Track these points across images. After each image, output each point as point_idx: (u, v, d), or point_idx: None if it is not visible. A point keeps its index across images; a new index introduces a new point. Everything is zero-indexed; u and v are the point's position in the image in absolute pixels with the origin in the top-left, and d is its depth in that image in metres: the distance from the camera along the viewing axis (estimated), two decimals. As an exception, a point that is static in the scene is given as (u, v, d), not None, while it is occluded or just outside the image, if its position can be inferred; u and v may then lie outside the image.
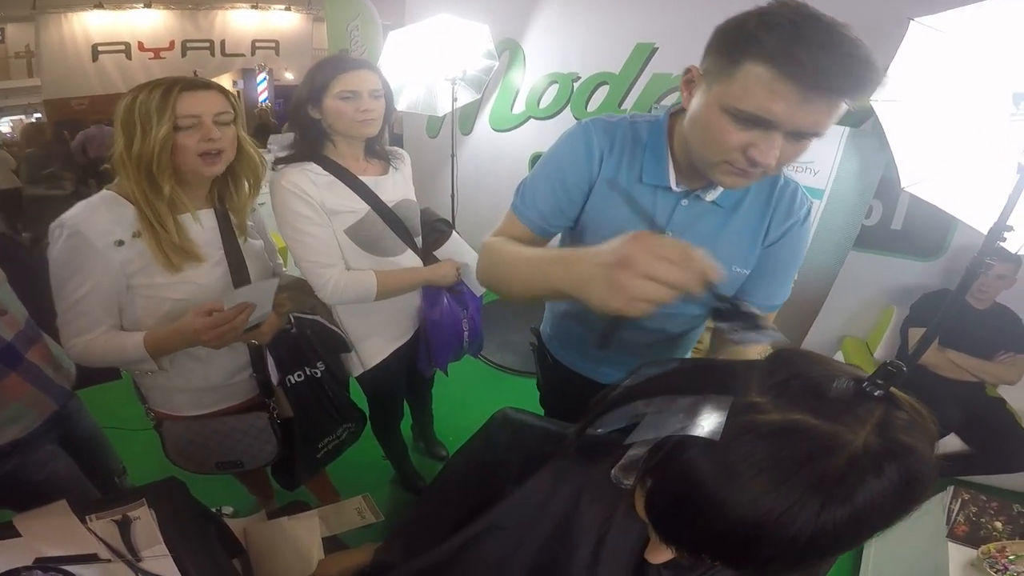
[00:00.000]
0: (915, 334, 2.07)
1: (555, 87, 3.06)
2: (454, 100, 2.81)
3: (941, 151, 1.44)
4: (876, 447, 0.34)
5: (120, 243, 0.97)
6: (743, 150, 0.64)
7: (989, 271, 1.33)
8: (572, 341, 1.14)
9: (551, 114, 3.12)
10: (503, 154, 3.40)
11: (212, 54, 6.85)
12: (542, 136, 3.17)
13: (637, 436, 0.42)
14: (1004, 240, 1.24)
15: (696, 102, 0.69)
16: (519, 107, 3.25)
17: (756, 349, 0.82)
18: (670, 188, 0.82)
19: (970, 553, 1.38)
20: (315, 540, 0.95)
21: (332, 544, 1.00)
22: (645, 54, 2.72)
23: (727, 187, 0.75)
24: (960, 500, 1.48)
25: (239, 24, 6.93)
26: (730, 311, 0.56)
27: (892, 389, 0.37)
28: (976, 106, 1.26)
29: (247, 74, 7.14)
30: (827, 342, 2.63)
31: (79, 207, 0.97)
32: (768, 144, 0.62)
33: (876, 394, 0.36)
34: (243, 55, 7.07)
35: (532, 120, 3.21)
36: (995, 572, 1.30)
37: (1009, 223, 1.23)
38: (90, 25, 6.14)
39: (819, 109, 0.59)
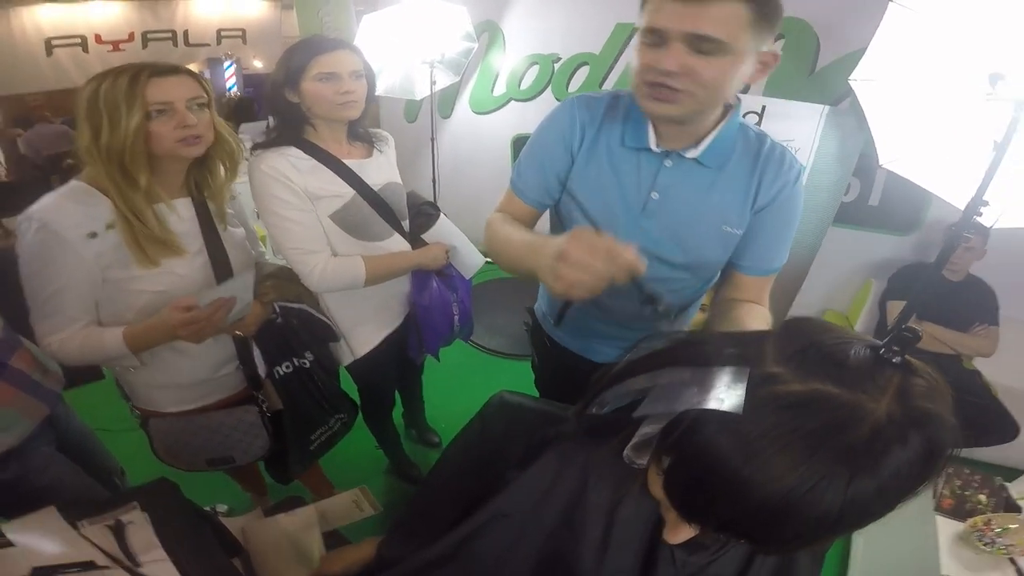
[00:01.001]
0: (893, 306, 2.12)
1: (535, 68, 3.02)
2: (433, 83, 2.76)
3: (919, 129, 1.46)
4: (899, 416, 0.33)
5: (93, 235, 0.93)
6: (655, 65, 0.71)
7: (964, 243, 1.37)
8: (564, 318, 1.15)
9: (532, 96, 3.08)
10: (484, 137, 3.35)
11: (175, 44, 6.56)
12: (523, 118, 3.14)
13: (648, 409, 0.40)
14: (980, 215, 1.28)
15: None
16: (499, 89, 3.20)
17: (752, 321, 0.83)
18: (650, 149, 0.84)
19: (957, 526, 1.41)
20: (315, 536, 0.94)
21: (331, 538, 1.00)
22: (625, 35, 2.69)
23: (652, 113, 0.79)
24: (945, 474, 1.51)
25: (202, 13, 6.64)
26: (650, 299, 0.68)
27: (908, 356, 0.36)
28: (953, 86, 1.27)
29: (213, 64, 6.89)
30: (808, 316, 2.69)
31: (47, 199, 0.93)
32: (669, 51, 0.69)
33: (894, 360, 0.36)
34: (208, 45, 6.80)
35: (513, 102, 3.17)
36: (984, 545, 1.33)
37: (985, 198, 1.26)
38: (42, 18, 5.80)
39: (698, 12, 0.66)
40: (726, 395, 0.36)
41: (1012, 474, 1.67)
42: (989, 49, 1.16)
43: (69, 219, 0.91)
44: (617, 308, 1.00)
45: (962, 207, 1.31)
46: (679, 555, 0.55)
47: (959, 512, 1.45)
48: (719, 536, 0.41)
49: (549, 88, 3.01)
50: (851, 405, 0.34)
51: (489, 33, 3.10)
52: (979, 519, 1.38)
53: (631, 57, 0.77)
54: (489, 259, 0.96)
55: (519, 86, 3.11)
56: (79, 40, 6.14)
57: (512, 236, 0.85)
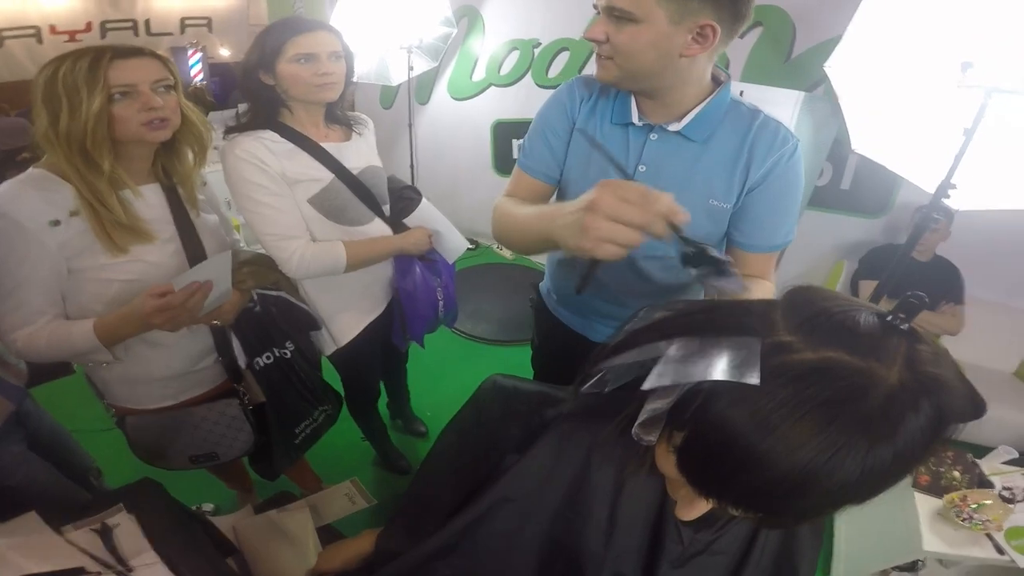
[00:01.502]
0: (865, 286, 2.18)
1: (516, 54, 2.97)
2: (410, 69, 2.70)
3: (891, 115, 1.49)
4: (910, 382, 0.33)
5: (56, 223, 0.88)
6: (589, 36, 0.80)
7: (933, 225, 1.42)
8: (567, 293, 1.16)
9: (512, 81, 3.03)
10: (463, 123, 3.29)
11: (136, 34, 6.28)
12: (503, 103, 3.08)
13: (657, 381, 0.38)
14: (948, 197, 1.33)
15: None
16: (479, 75, 3.14)
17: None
18: (634, 123, 0.88)
19: (935, 503, 1.44)
20: (309, 531, 0.92)
21: (326, 533, 0.98)
22: (604, 19, 2.68)
23: (598, 79, 0.86)
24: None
25: (165, 2, 6.38)
26: (696, 256, 0.58)
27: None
28: (926, 74, 1.29)
29: (177, 53, 6.62)
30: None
31: (5, 187, 0.88)
32: (597, 22, 0.78)
33: (902, 327, 0.35)
34: (171, 34, 6.54)
35: (493, 87, 3.12)
36: (962, 521, 1.36)
37: (953, 181, 1.31)
38: (-9, 10, 5.50)
39: None
40: (740, 366, 0.35)
41: (980, 451, 1.71)
42: (961, 38, 1.18)
43: (28, 207, 0.87)
44: (616, 285, 1.00)
45: (931, 190, 1.35)
46: (685, 532, 0.54)
47: (935, 489, 1.47)
48: (736, 511, 0.39)
49: (529, 73, 2.97)
50: (864, 372, 0.33)
51: (468, 18, 3.04)
52: (955, 495, 1.41)
53: None
54: (471, 246, 0.95)
55: (499, 71, 3.06)
56: (33, 31, 5.88)
57: (522, 210, 0.84)
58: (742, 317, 0.39)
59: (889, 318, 0.36)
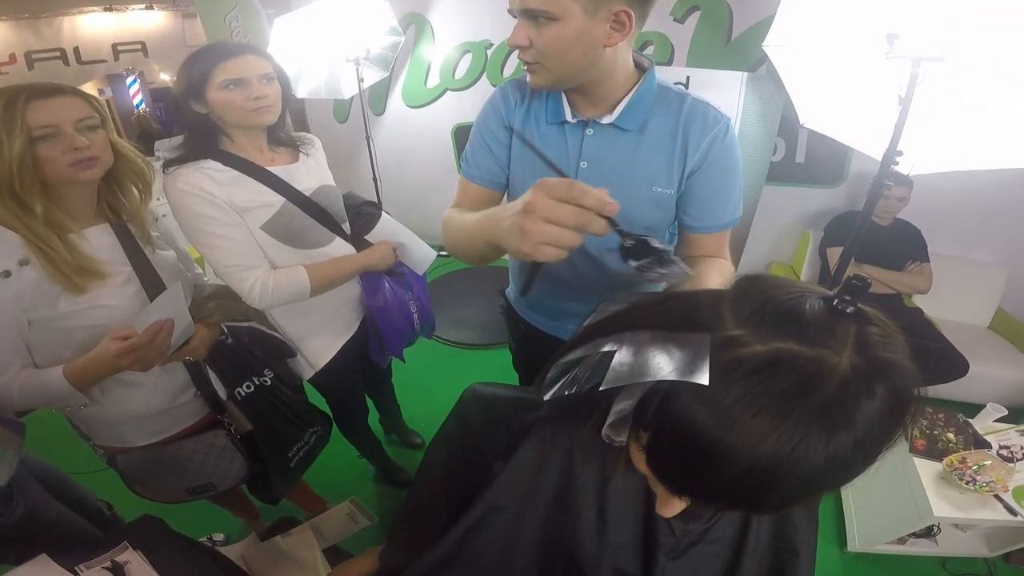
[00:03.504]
0: (833, 253, 2.24)
1: (468, 57, 2.98)
2: (360, 81, 2.66)
3: (831, 89, 1.53)
4: (862, 367, 0.32)
5: (6, 274, 0.85)
6: (510, 42, 0.79)
7: (887, 191, 1.47)
8: (533, 297, 1.16)
9: (468, 84, 3.04)
10: (423, 130, 3.29)
11: (66, 63, 6.02)
12: (461, 107, 3.10)
13: (612, 381, 0.37)
14: (897, 164, 1.37)
15: None
16: (433, 80, 3.14)
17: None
18: (569, 121, 0.89)
19: (935, 467, 1.43)
20: (316, 554, 0.92)
21: (333, 553, 0.98)
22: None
23: (530, 85, 0.84)
24: (910, 415, 1.59)
25: (94, 29, 6.10)
26: (636, 248, 0.55)
27: (859, 304, 0.35)
28: (856, 46, 1.32)
29: (114, 80, 6.39)
30: (757, 270, 2.84)
31: None
32: (516, 28, 0.77)
33: (848, 311, 0.35)
34: (105, 61, 6.28)
35: (449, 92, 3.12)
36: (965, 483, 1.34)
37: (899, 148, 1.34)
38: (-95, 46, 5.21)
39: None
40: (690, 364, 0.34)
41: (969, 409, 1.69)
42: (885, 10, 1.22)
43: None
44: (579, 285, 1.01)
45: (879, 158, 1.38)
46: (676, 525, 0.54)
47: (933, 452, 1.46)
48: (709, 507, 0.39)
49: (484, 75, 2.98)
50: (815, 361, 0.32)
51: (416, 25, 3.03)
52: (954, 458, 1.39)
53: None
54: (443, 252, 0.95)
55: (453, 76, 3.06)
56: (-48, 66, 5.57)
57: (466, 218, 0.79)
58: (691, 312, 0.39)
59: (835, 302, 0.35)
